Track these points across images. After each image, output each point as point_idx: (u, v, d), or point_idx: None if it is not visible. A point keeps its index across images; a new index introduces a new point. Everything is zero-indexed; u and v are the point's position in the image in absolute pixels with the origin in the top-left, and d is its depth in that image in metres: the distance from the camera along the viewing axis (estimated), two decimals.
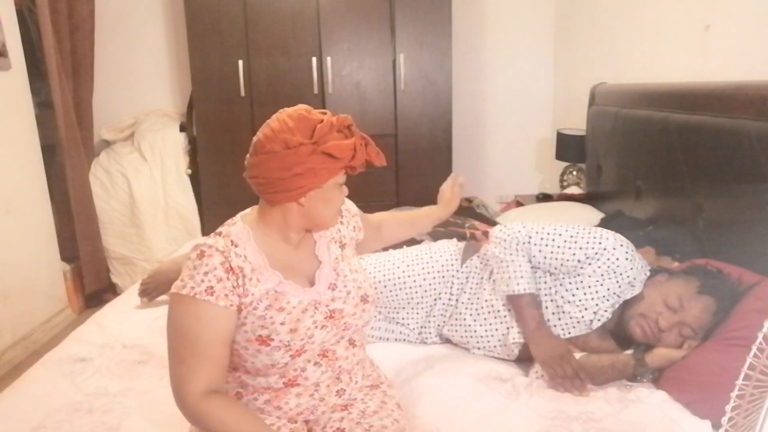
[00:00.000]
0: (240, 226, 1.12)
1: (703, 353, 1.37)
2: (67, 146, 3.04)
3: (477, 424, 1.30)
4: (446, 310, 1.69)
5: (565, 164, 3.22)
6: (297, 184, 1.05)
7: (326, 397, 1.16)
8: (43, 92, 3.14)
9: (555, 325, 1.53)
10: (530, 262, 1.54)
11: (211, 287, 1.03)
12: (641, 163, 2.23)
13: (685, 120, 1.87)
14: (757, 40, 1.83)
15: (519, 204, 3.24)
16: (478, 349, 1.62)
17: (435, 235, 2.07)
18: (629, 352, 1.50)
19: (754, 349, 0.88)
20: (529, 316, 1.50)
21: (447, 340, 1.71)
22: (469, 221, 2.28)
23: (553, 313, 1.53)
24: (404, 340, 1.72)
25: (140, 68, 3.60)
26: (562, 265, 1.51)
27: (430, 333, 1.71)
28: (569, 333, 1.52)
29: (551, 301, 1.54)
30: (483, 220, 2.66)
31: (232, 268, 1.05)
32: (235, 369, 1.14)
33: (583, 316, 1.50)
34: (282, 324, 1.08)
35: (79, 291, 3.26)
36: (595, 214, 2.57)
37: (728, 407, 0.91)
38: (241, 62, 3.12)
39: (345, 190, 1.16)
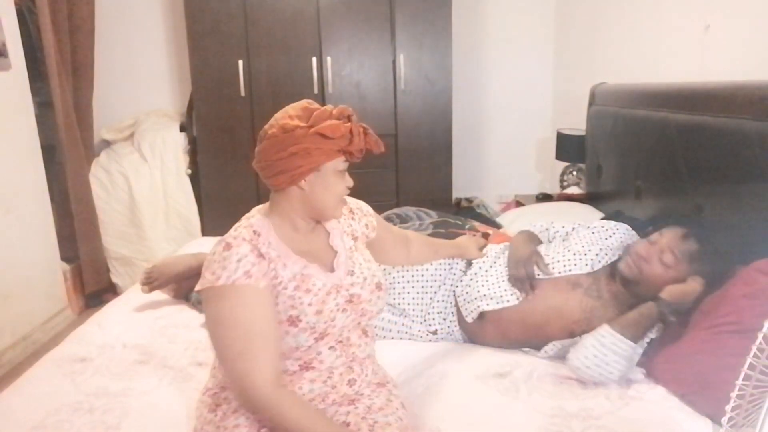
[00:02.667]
0: (259, 218, 1.16)
1: (694, 343, 1.38)
2: (67, 146, 3.04)
3: (477, 423, 1.30)
4: (449, 297, 1.73)
5: (565, 164, 3.22)
6: (294, 164, 1.09)
7: (338, 384, 1.18)
8: (43, 92, 3.13)
9: (559, 261, 1.66)
10: (547, 237, 1.84)
11: (248, 271, 1.06)
12: (641, 163, 2.23)
13: (685, 120, 1.87)
14: (757, 40, 1.83)
15: (519, 204, 3.24)
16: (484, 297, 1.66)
17: (435, 236, 2.06)
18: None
19: (754, 349, 0.88)
20: (522, 233, 1.83)
21: (451, 333, 1.72)
22: (469, 222, 2.28)
23: (558, 252, 1.69)
24: (407, 332, 1.73)
25: (140, 68, 3.60)
26: (575, 226, 1.82)
27: (433, 319, 1.72)
28: (570, 270, 1.64)
29: (555, 246, 1.73)
30: (483, 221, 2.66)
31: (261, 254, 1.09)
32: None
33: (586, 254, 1.65)
34: (309, 305, 1.11)
35: (79, 291, 3.25)
36: (594, 214, 2.57)
37: (728, 407, 0.91)
38: (241, 62, 3.12)
39: (349, 180, 1.18)
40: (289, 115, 1.12)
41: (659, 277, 1.51)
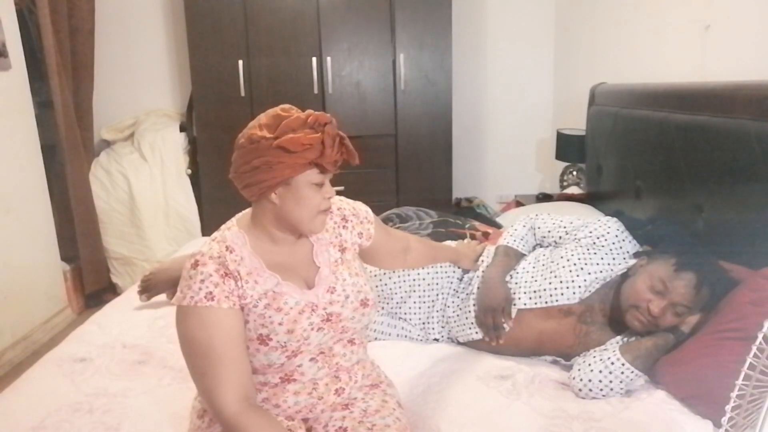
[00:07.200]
0: (235, 230, 1.12)
1: (697, 348, 1.37)
2: (67, 146, 3.04)
3: (478, 423, 1.30)
4: (446, 308, 1.71)
5: (565, 164, 3.22)
6: (256, 178, 1.05)
7: (325, 395, 1.16)
8: (43, 92, 3.14)
9: (545, 289, 1.58)
10: (534, 236, 1.76)
11: (210, 293, 1.04)
12: (641, 163, 2.23)
13: (685, 120, 1.87)
14: (757, 40, 1.83)
15: (519, 204, 3.24)
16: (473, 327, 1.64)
17: (435, 236, 2.06)
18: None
19: (754, 349, 0.88)
20: (498, 262, 1.67)
21: (452, 341, 1.72)
22: (469, 221, 2.28)
23: (545, 278, 1.60)
24: (406, 336, 1.73)
25: (140, 68, 3.60)
26: (563, 233, 1.69)
27: (433, 329, 1.71)
28: (557, 300, 1.56)
29: (543, 265, 1.64)
30: (483, 221, 2.66)
31: (228, 273, 1.06)
32: None
33: (573, 281, 1.56)
34: (280, 324, 1.08)
35: (79, 291, 3.26)
36: (595, 214, 2.56)
37: (728, 407, 0.90)
38: (241, 62, 3.12)
39: (329, 191, 1.11)
40: (259, 123, 1.06)
41: (674, 323, 1.45)
